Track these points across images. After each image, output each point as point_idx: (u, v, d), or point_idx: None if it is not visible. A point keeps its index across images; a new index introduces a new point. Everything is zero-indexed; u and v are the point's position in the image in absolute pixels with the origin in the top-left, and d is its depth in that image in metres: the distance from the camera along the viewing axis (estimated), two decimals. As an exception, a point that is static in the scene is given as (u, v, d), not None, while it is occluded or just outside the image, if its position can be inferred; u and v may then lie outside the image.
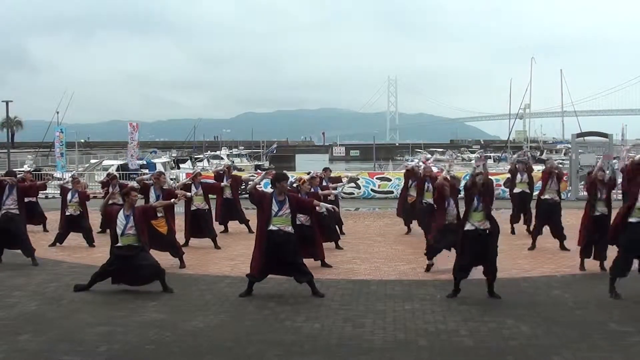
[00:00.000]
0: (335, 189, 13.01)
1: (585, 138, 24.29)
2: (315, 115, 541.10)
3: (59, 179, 19.42)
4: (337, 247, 12.06)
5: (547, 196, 11.79)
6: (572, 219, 12.09)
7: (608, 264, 8.78)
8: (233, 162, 50.05)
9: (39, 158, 43.93)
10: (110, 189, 13.95)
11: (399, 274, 9.73)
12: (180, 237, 11.41)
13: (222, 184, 14.04)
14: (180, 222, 11.91)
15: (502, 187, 18.03)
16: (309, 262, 9.49)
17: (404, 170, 14.58)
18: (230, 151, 70.78)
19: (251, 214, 9.70)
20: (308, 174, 13.66)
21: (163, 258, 9.86)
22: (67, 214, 12.77)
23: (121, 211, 8.53)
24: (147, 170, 28.30)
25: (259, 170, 37.82)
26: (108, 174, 16.94)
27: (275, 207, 8.16)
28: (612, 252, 8.75)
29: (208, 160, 51.33)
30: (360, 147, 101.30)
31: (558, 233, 11.54)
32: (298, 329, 6.86)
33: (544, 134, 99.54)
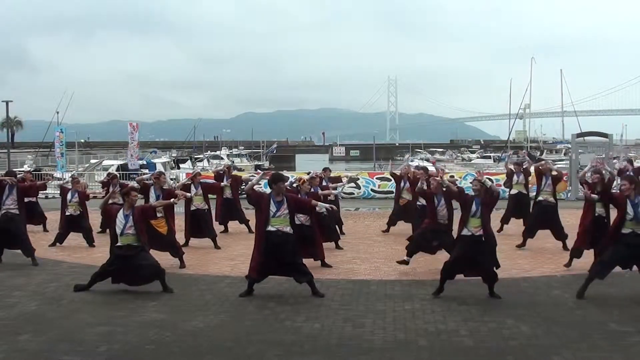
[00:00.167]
0: (335, 189, 13.01)
1: (585, 138, 24.28)
2: (315, 115, 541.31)
3: (59, 179, 19.41)
4: (337, 247, 12.06)
5: (540, 198, 11.80)
6: (572, 219, 12.08)
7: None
8: (233, 162, 50.09)
9: (39, 158, 43.95)
10: (111, 189, 13.98)
11: (399, 274, 9.73)
12: (180, 237, 11.41)
13: (222, 184, 14.03)
14: (180, 222, 11.92)
15: (502, 187, 17.99)
16: (309, 262, 9.49)
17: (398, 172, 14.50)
18: (230, 151, 70.81)
19: (251, 214, 9.70)
20: (308, 174, 13.67)
21: (163, 258, 9.85)
22: (67, 214, 12.77)
23: (121, 211, 8.54)
24: (147, 170, 28.31)
25: (258, 170, 37.82)
26: (108, 174, 16.93)
27: (273, 208, 8.15)
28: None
29: (208, 160, 51.35)
30: (360, 147, 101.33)
31: (559, 235, 11.54)
32: (298, 329, 6.86)
33: (544, 134, 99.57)
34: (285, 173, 23.80)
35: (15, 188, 10.87)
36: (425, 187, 10.60)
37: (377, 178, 22.53)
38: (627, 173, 12.58)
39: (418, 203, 12.30)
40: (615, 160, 25.04)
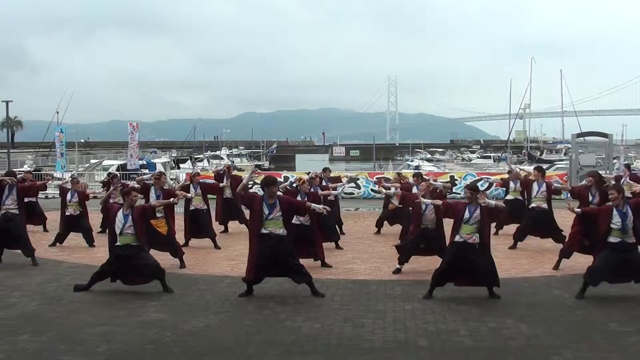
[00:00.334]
0: (335, 189, 13.01)
1: (585, 138, 24.30)
2: (315, 115, 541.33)
3: (59, 179, 19.41)
4: (337, 247, 12.06)
5: (534, 204, 11.77)
6: (572, 218, 12.06)
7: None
8: (233, 162, 50.13)
9: (39, 158, 43.91)
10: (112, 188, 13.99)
11: (399, 274, 9.72)
12: (180, 237, 11.41)
13: (222, 184, 14.02)
14: (180, 222, 11.92)
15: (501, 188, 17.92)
16: (308, 262, 9.50)
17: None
18: (230, 151, 70.90)
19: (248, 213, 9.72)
20: (308, 174, 13.67)
21: (163, 258, 9.86)
22: (66, 214, 12.77)
23: (120, 210, 8.54)
24: (147, 170, 28.32)
25: (258, 170, 37.81)
26: (109, 174, 16.95)
27: (266, 210, 8.15)
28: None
29: (208, 160, 51.42)
30: (360, 147, 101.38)
31: (558, 238, 11.52)
32: (298, 329, 6.86)
33: (544, 134, 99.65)
34: (285, 173, 23.95)
35: (15, 188, 10.87)
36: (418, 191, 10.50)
37: (377, 178, 22.49)
38: (624, 179, 12.65)
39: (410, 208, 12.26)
40: (615, 161, 25.06)
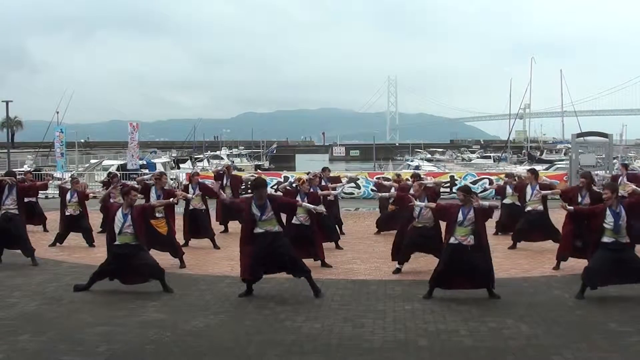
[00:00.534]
0: (334, 189, 13.00)
1: (585, 138, 24.26)
2: (315, 115, 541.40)
3: (59, 179, 19.40)
4: (337, 247, 12.05)
5: (529, 208, 11.73)
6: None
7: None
8: (233, 162, 50.13)
9: (39, 158, 43.94)
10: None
11: (399, 274, 9.72)
12: (179, 237, 11.42)
13: (222, 196, 13.96)
14: (179, 223, 11.92)
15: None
16: (308, 262, 9.48)
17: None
18: (230, 151, 70.90)
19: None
20: (307, 174, 13.66)
21: (163, 258, 9.86)
22: (66, 214, 12.77)
23: (119, 209, 8.53)
24: (147, 170, 28.33)
25: (258, 170, 37.85)
26: (109, 173, 16.94)
27: (257, 212, 8.16)
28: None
29: (208, 160, 51.42)
30: (360, 147, 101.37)
31: (556, 238, 11.51)
32: (298, 329, 6.86)
33: (544, 134, 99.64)
34: (285, 173, 23.96)
35: (15, 188, 10.87)
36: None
37: (377, 178, 22.49)
38: (621, 179, 12.63)
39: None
40: (615, 161, 25.06)
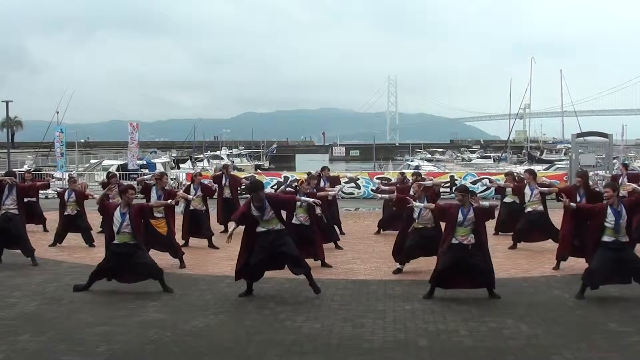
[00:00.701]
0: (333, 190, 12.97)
1: (585, 138, 24.25)
2: (315, 115, 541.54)
3: (60, 179, 19.41)
4: (337, 247, 12.05)
5: (530, 209, 11.69)
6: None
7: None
8: (233, 162, 50.11)
9: (39, 158, 43.93)
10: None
11: (399, 274, 9.72)
12: (179, 237, 11.42)
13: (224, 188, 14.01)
14: (179, 223, 11.93)
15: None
16: (308, 262, 9.47)
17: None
18: (230, 151, 70.86)
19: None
20: (307, 174, 13.66)
21: (163, 258, 9.87)
22: (65, 213, 12.78)
23: (117, 209, 8.53)
24: (147, 170, 28.33)
25: (259, 170, 37.85)
26: (108, 173, 16.90)
27: (257, 213, 8.16)
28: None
29: (208, 160, 51.37)
30: (360, 147, 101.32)
31: (556, 238, 11.49)
32: (298, 329, 6.86)
33: (544, 134, 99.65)
34: (285, 173, 23.96)
35: (15, 188, 10.87)
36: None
37: (377, 178, 22.49)
38: (622, 179, 12.63)
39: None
40: (615, 161, 25.05)
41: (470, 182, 21.56)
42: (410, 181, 12.55)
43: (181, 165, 44.27)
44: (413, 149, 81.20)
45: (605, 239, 7.98)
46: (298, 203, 9.17)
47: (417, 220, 9.67)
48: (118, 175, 17.05)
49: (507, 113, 68.39)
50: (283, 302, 8.00)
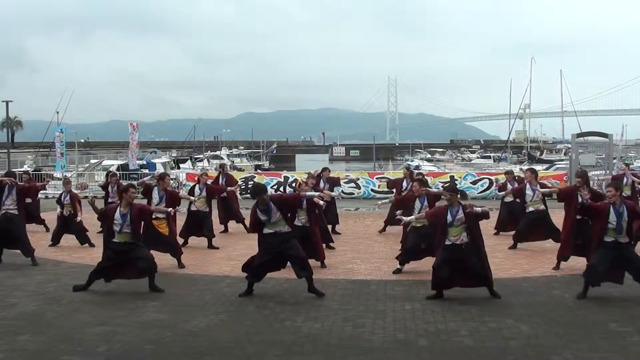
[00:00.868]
0: (332, 191, 12.92)
1: (585, 138, 24.25)
2: (315, 115, 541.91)
3: (59, 179, 19.40)
4: (329, 247, 11.82)
5: (531, 208, 11.62)
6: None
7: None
8: (233, 162, 50.12)
9: (39, 158, 43.94)
10: (110, 188, 13.98)
11: (399, 274, 9.72)
12: (179, 237, 11.42)
13: (229, 188, 13.97)
14: (180, 223, 11.92)
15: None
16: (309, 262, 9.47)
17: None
18: (230, 151, 70.89)
19: (247, 212, 9.69)
20: (308, 174, 13.65)
21: (163, 258, 9.88)
22: (63, 214, 12.78)
23: (118, 209, 8.52)
24: (147, 170, 28.33)
25: (259, 170, 37.85)
26: (108, 172, 16.87)
27: (263, 217, 8.18)
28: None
29: (208, 160, 51.35)
30: (360, 147, 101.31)
31: (556, 238, 11.48)
32: (298, 329, 6.86)
33: (544, 134, 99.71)
34: (285, 173, 23.95)
35: (15, 188, 10.87)
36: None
37: (377, 178, 22.51)
38: (627, 179, 12.62)
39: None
40: (615, 161, 25.06)
41: (471, 182, 21.57)
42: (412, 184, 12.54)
43: (181, 166, 44.27)
44: (413, 149, 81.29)
45: (605, 239, 7.99)
46: (303, 200, 9.14)
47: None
48: (118, 175, 17.03)
49: (507, 113, 68.47)
50: (283, 302, 8.00)
